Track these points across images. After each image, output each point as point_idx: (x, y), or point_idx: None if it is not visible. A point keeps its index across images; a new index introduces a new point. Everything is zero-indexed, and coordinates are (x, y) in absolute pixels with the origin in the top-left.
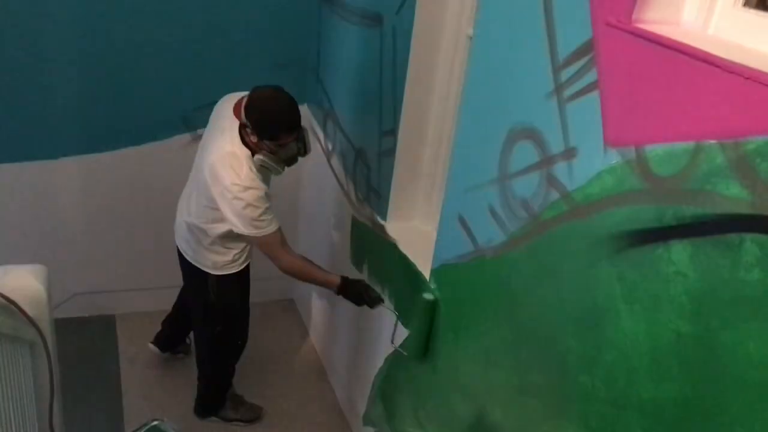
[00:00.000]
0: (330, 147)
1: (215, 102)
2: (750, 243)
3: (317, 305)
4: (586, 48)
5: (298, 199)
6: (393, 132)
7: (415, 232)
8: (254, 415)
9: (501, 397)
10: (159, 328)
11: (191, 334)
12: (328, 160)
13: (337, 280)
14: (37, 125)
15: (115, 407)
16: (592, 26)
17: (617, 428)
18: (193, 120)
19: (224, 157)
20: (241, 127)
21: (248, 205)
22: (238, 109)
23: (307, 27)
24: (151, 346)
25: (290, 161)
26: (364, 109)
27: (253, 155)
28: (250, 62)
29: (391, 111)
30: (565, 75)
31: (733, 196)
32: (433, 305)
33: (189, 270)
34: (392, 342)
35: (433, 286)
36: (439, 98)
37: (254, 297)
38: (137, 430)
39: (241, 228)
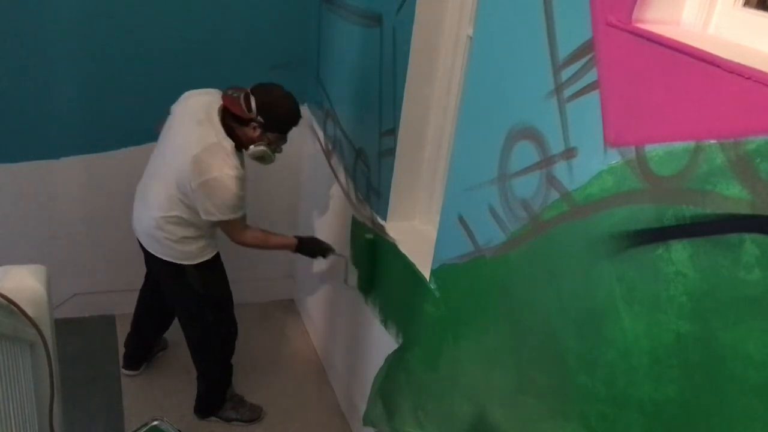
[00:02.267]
0: (330, 147)
1: None
2: (750, 243)
3: (317, 305)
4: (586, 48)
5: (299, 198)
6: (393, 132)
7: (415, 232)
8: (254, 415)
9: (501, 397)
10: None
11: (165, 334)
12: (328, 160)
13: (294, 240)
14: (37, 125)
15: (115, 407)
16: (592, 26)
17: (617, 428)
18: None
19: (210, 147)
20: (231, 121)
21: (234, 194)
22: (235, 104)
23: (307, 27)
24: (125, 371)
25: (279, 151)
26: (363, 109)
27: (239, 148)
28: (250, 62)
29: (391, 111)
30: (565, 75)
31: (733, 196)
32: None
33: (163, 269)
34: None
35: (433, 286)
36: (439, 98)
37: (254, 297)
38: (137, 430)
39: (217, 215)
